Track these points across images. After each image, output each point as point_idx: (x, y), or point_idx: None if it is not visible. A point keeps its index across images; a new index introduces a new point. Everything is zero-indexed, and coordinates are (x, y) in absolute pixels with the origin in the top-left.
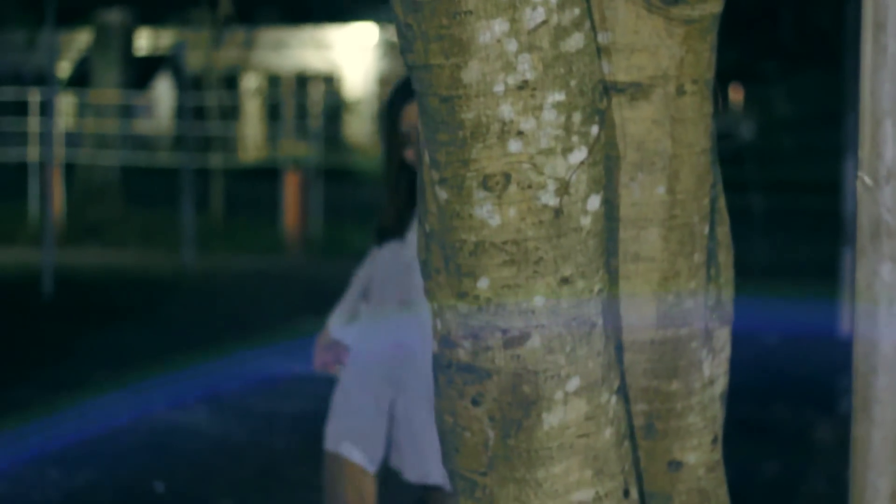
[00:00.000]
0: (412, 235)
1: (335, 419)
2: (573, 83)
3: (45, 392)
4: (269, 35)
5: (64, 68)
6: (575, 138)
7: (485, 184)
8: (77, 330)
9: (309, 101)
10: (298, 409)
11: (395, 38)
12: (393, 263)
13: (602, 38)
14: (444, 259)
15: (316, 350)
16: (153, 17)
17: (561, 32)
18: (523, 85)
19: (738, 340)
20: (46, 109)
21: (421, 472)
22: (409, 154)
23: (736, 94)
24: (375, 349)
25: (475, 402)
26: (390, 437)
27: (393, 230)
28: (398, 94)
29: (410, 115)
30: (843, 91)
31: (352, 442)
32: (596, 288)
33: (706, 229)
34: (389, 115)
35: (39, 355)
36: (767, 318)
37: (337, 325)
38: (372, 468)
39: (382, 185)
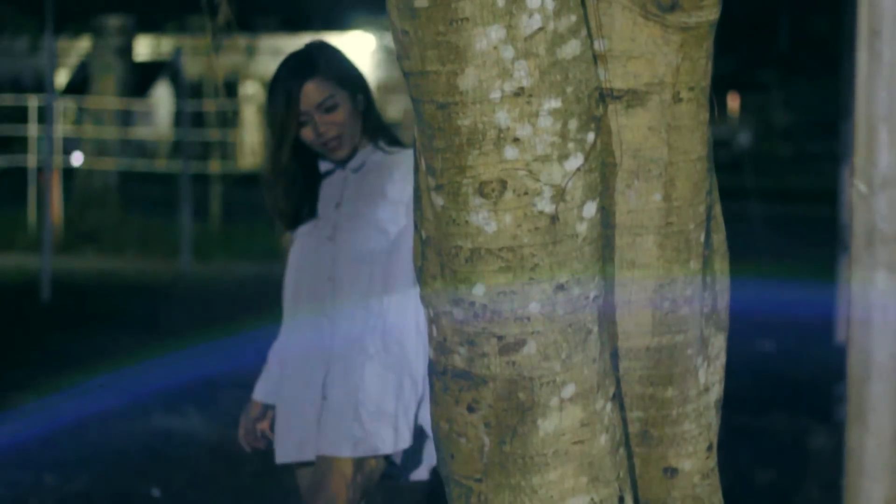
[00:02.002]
0: (323, 208)
1: (276, 435)
2: (569, 90)
3: (43, 397)
4: (268, 43)
5: (63, 74)
6: (571, 145)
7: (481, 190)
8: (75, 336)
9: None
10: None
11: (391, 45)
12: (314, 241)
13: (598, 45)
14: (440, 265)
15: (241, 424)
16: (152, 24)
17: (557, 39)
18: (520, 92)
19: (734, 347)
20: (45, 115)
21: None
22: (307, 134)
23: (733, 102)
24: (305, 348)
25: (471, 409)
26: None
27: (308, 211)
28: (294, 73)
29: (309, 95)
30: (841, 99)
31: (285, 447)
32: (592, 295)
33: (702, 237)
34: (287, 95)
35: (37, 360)
36: (763, 324)
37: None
38: (310, 455)
39: (272, 168)
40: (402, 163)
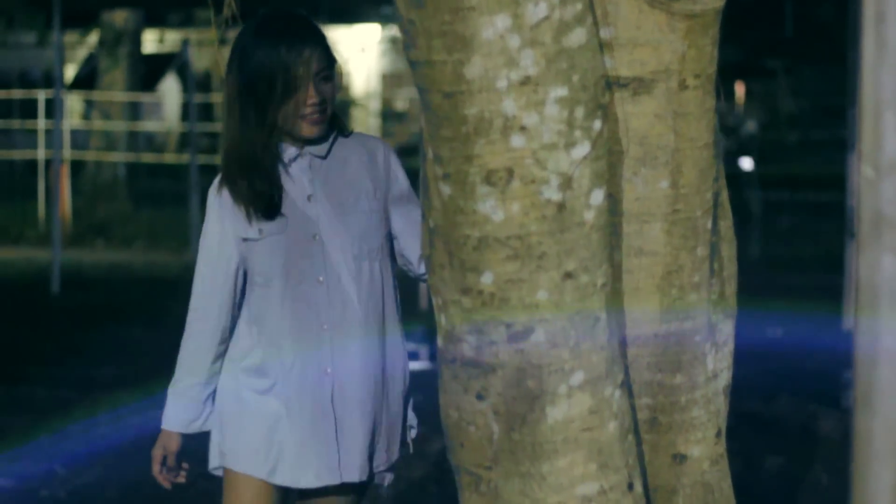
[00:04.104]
0: (291, 203)
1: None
2: (576, 78)
3: (53, 390)
4: None
5: (71, 68)
6: (578, 133)
7: (488, 179)
8: (84, 328)
9: None
10: None
11: (398, 34)
12: (293, 241)
13: (604, 33)
14: (448, 254)
15: (156, 458)
16: (159, 18)
17: (563, 28)
18: (526, 80)
19: (743, 333)
20: (54, 109)
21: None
22: (296, 100)
23: (740, 90)
24: (307, 370)
25: (480, 397)
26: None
27: (278, 198)
28: (304, 31)
29: (317, 59)
30: (847, 85)
31: (305, 476)
32: (599, 282)
33: (709, 223)
34: (300, 52)
35: (47, 353)
36: (772, 311)
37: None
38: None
39: (258, 135)
40: (368, 146)
